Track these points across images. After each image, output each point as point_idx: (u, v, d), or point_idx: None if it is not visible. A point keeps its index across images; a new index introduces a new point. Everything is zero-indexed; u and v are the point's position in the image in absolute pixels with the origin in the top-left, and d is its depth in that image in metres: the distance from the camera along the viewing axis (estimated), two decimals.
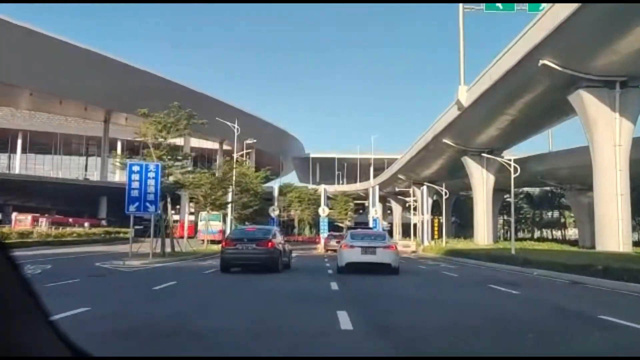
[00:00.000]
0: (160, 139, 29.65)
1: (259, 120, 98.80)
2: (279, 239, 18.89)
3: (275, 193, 42.48)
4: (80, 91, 64.48)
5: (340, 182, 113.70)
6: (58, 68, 55.97)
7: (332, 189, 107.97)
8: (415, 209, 62.21)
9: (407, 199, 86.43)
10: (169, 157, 30.24)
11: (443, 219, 40.95)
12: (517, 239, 69.39)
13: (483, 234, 45.91)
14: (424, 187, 42.42)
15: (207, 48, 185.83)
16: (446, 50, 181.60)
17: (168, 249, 29.82)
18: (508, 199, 79.58)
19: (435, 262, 29.38)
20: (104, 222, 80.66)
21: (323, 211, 41.48)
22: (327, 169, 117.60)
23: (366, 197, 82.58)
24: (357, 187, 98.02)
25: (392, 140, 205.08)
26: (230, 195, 42.95)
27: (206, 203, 36.98)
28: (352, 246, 17.51)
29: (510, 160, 29.61)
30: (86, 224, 76.74)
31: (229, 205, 42.45)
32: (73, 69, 56.84)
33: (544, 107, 33.63)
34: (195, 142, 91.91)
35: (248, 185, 51.55)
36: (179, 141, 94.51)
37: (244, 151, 45.90)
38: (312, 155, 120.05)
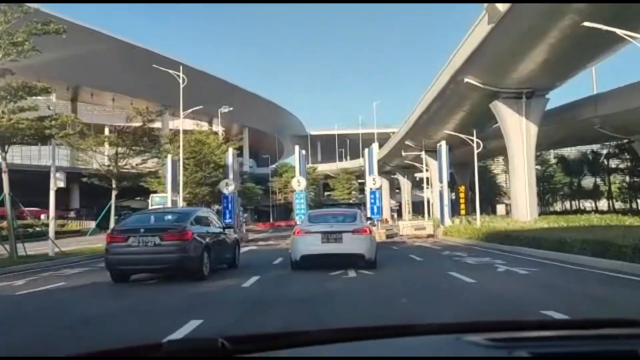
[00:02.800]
0: None
1: (253, 96, 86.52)
2: (208, 227, 11.90)
3: (230, 160, 28.74)
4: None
5: (344, 159, 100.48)
6: None
7: (334, 166, 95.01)
8: (428, 181, 48.66)
9: (419, 170, 72.53)
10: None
11: (476, 190, 26.40)
12: (551, 213, 55.00)
13: (524, 208, 31.86)
14: (442, 144, 28.33)
15: (192, 18, 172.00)
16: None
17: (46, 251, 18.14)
18: (535, 167, 65.48)
19: (476, 256, 15.40)
20: (72, 214, 68.38)
21: (298, 183, 27.76)
22: (329, 147, 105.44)
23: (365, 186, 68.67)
24: (360, 162, 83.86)
25: (397, 113, 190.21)
26: (168, 165, 29.46)
27: (105, 174, 23.49)
28: (308, 232, 12.07)
29: None
30: (42, 216, 64.45)
31: (168, 183, 28.91)
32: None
33: None
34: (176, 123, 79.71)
35: (209, 157, 37.95)
36: (156, 123, 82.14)
37: (192, 109, 32.20)
38: (311, 133, 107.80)
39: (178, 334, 5.25)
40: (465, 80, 32.12)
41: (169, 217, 12.02)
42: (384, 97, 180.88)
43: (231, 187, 27.91)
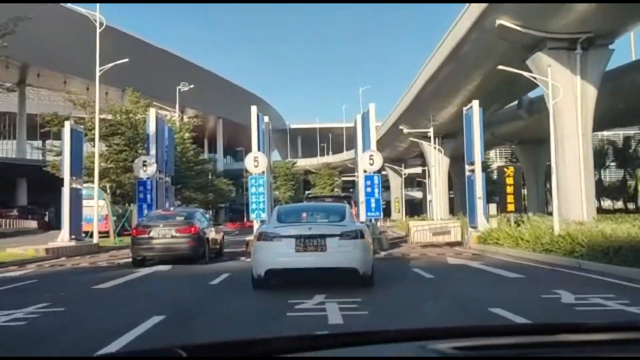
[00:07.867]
0: None
1: (229, 85, 77.18)
2: (205, 223, 15.29)
3: (152, 129, 18.28)
4: None
5: (326, 155, 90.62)
6: None
7: (315, 161, 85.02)
8: (423, 175, 38.95)
9: (411, 165, 62.76)
10: None
11: (553, 174, 15.64)
12: (602, 212, 43.03)
13: (578, 203, 21.78)
14: (474, 104, 18.05)
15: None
16: None
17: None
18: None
19: None
20: (15, 212, 57.15)
21: (255, 163, 17.42)
22: (310, 142, 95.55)
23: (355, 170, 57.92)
24: (344, 157, 73.84)
25: (384, 108, 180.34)
26: (66, 137, 19.00)
27: None
28: (277, 236, 8.56)
29: None
30: None
31: (64, 165, 18.46)
32: None
33: None
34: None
35: (136, 134, 27.41)
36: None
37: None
38: (291, 126, 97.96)
39: None
40: (498, 22, 21.98)
41: (180, 215, 15.35)
42: (371, 86, 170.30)
43: (151, 169, 17.51)
